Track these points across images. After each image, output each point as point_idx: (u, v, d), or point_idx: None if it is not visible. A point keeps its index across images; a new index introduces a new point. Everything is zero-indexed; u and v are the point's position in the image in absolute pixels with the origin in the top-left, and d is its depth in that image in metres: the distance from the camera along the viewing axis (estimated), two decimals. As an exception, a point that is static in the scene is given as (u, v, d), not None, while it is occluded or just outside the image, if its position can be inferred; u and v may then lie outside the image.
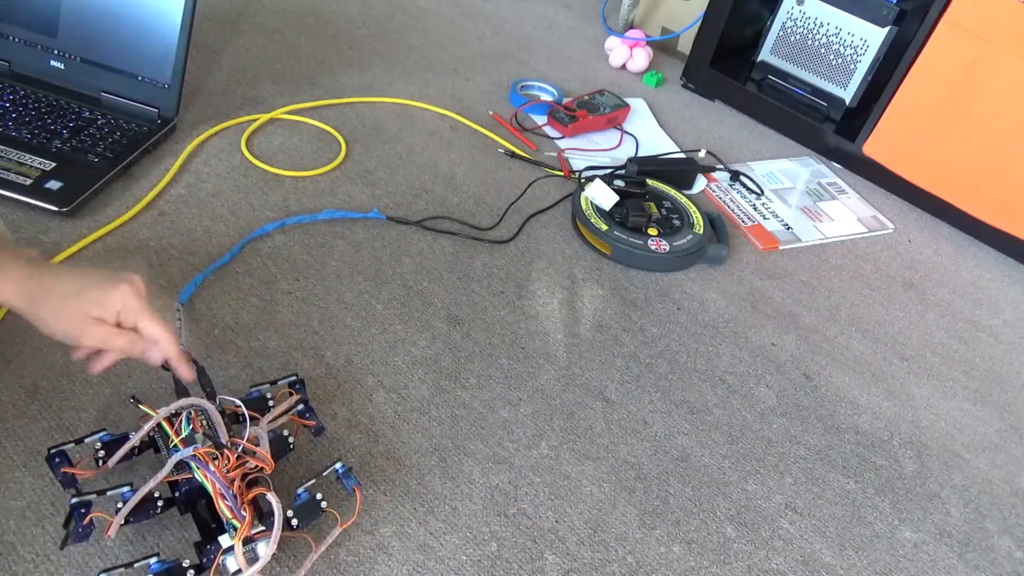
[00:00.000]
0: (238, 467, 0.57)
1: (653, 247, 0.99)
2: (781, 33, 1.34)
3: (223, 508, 0.56)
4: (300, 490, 0.60)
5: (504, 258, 0.97)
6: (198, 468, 0.56)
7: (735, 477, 0.77)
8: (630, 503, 0.72)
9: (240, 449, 0.58)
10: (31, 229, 0.83)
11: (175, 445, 0.58)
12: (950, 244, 1.20)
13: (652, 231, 1.01)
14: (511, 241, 1.00)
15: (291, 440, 0.64)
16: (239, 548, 0.55)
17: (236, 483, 0.56)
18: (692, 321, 0.94)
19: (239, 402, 0.62)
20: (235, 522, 0.55)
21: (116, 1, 0.95)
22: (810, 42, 1.31)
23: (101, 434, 0.60)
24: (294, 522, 0.58)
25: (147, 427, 0.58)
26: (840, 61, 1.29)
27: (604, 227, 1.00)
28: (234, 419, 0.62)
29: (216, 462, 0.56)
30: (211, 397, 0.62)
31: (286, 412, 0.65)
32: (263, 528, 0.57)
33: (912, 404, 0.91)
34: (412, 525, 0.66)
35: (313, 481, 0.61)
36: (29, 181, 0.86)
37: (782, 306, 1.00)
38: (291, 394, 0.67)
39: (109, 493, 0.57)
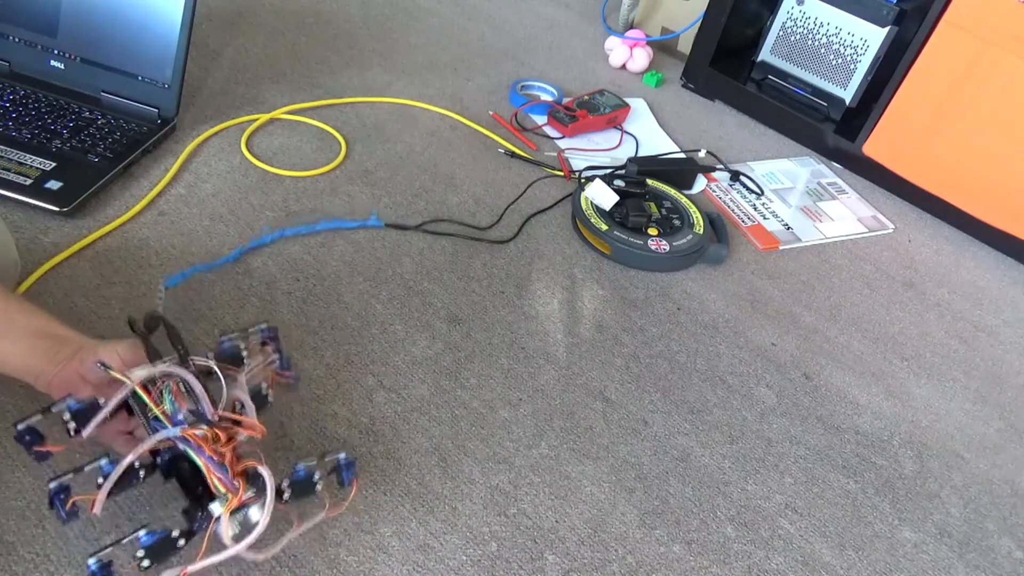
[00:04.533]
0: (229, 441, 0.55)
1: (653, 247, 0.99)
2: (781, 33, 1.34)
3: (216, 483, 0.54)
4: (300, 465, 0.58)
5: (504, 258, 0.97)
6: (189, 450, 0.54)
7: (735, 477, 0.77)
8: (630, 503, 0.72)
9: (229, 422, 0.56)
10: (31, 229, 0.83)
11: (156, 416, 0.55)
12: (950, 244, 1.20)
13: (652, 231, 1.01)
14: (511, 241, 1.00)
15: (268, 394, 0.62)
16: (227, 518, 0.53)
17: (228, 456, 0.54)
18: (692, 321, 0.94)
19: (212, 363, 0.59)
20: (228, 494, 0.54)
21: (116, 1, 0.95)
22: (810, 42, 1.31)
23: (68, 401, 0.56)
24: (286, 494, 0.56)
25: (121, 394, 0.55)
26: (840, 61, 1.29)
27: (604, 227, 1.00)
28: (208, 376, 0.59)
29: (207, 442, 0.54)
30: (184, 359, 0.58)
31: (263, 366, 0.63)
32: (254, 492, 0.55)
33: (912, 404, 0.91)
34: (412, 525, 0.66)
35: (315, 461, 0.59)
36: (29, 181, 0.86)
37: (782, 306, 1.00)
38: (263, 344, 0.64)
39: (87, 469, 0.54)
